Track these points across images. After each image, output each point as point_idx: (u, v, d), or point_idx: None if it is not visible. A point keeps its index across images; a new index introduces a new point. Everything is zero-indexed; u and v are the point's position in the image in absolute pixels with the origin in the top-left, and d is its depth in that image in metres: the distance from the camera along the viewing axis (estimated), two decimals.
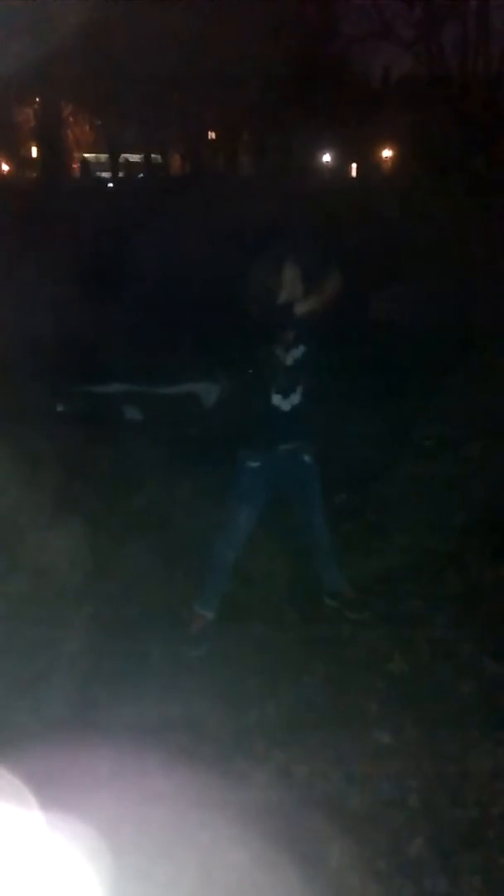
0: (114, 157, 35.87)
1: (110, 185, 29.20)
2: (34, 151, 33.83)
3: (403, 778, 2.53)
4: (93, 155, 39.39)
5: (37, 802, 2.06)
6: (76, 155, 38.26)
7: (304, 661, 3.13)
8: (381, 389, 5.70)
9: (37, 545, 3.80)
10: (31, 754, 2.28)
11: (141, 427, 5.77)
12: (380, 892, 2.17)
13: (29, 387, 5.77)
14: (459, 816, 2.40)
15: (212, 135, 36.83)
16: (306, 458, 3.25)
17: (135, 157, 36.22)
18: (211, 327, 3.26)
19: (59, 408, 5.96)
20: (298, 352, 3.06)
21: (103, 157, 37.85)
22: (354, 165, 36.30)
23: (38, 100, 25.76)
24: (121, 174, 34.90)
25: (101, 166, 37.13)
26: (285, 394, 3.08)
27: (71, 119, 32.54)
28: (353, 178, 34.33)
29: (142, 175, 33.49)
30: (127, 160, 36.13)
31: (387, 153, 35.41)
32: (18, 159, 35.55)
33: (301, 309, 2.93)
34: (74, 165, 36.80)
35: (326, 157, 36.55)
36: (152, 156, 34.85)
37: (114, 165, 35.85)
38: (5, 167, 35.38)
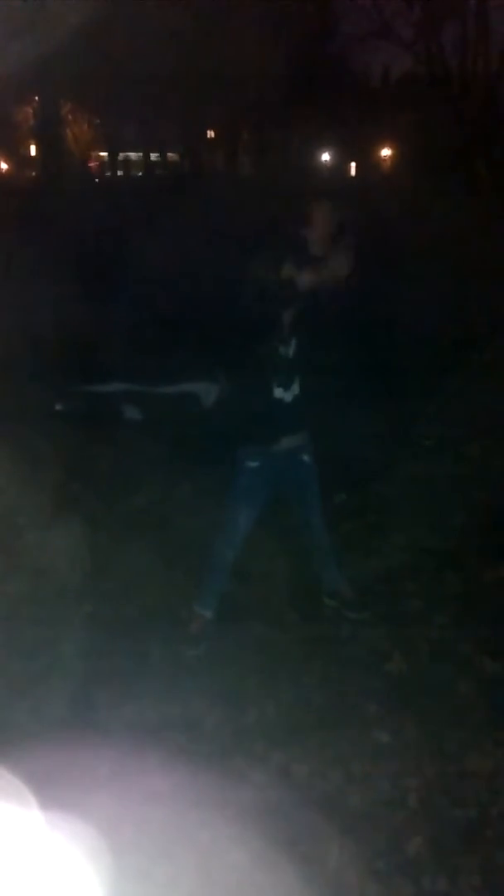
0: (113, 155, 35.85)
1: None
2: (33, 150, 33.83)
3: (402, 777, 2.54)
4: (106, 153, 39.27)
5: (36, 802, 2.06)
6: (93, 153, 38.22)
7: (303, 660, 3.13)
8: (381, 389, 5.70)
9: (36, 545, 3.80)
10: (31, 754, 2.28)
11: (140, 426, 5.77)
12: (379, 891, 2.17)
13: (28, 386, 5.77)
14: (458, 816, 2.41)
15: (211, 134, 36.83)
16: (305, 457, 3.26)
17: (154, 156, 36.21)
18: (211, 326, 3.26)
19: (58, 407, 5.96)
20: (294, 344, 3.08)
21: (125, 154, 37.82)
22: (353, 164, 36.29)
23: (37, 98, 25.74)
24: (119, 172, 34.91)
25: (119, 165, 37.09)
26: (286, 386, 3.09)
27: (70, 118, 32.50)
28: (352, 176, 34.31)
29: (140, 173, 33.50)
30: (146, 159, 36.08)
31: (386, 152, 35.41)
32: (18, 158, 35.52)
33: (308, 278, 2.91)
34: (92, 164, 36.79)
35: (326, 157, 36.55)
36: (168, 154, 34.88)
37: (113, 164, 35.84)
38: (4, 165, 35.36)
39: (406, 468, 4.83)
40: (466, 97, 19.13)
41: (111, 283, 8.71)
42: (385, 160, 35.45)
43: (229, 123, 32.20)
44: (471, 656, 3.13)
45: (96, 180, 28.93)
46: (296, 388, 3.10)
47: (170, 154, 37.55)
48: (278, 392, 3.08)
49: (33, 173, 30.44)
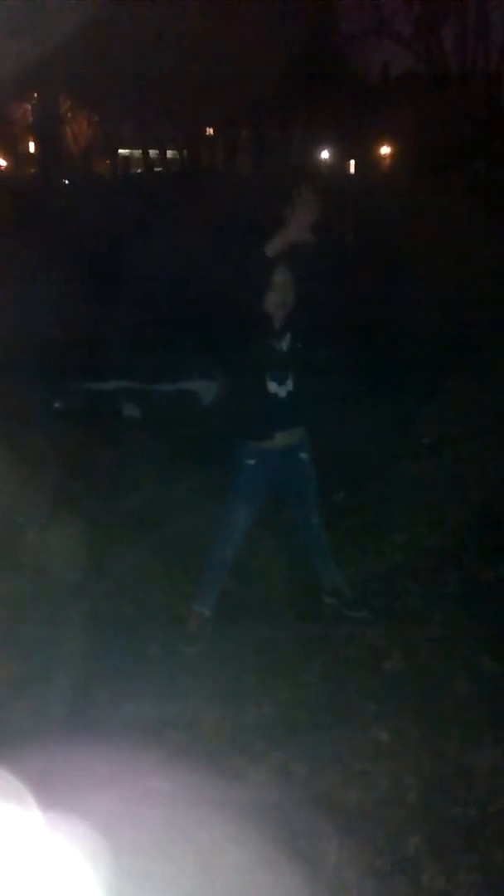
0: (111, 153, 35.78)
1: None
2: (31, 148, 33.79)
3: (401, 776, 2.54)
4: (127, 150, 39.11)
5: (34, 801, 2.06)
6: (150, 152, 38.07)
7: (302, 659, 3.13)
8: (380, 388, 5.71)
9: (35, 543, 3.80)
10: (29, 753, 2.28)
11: (139, 425, 5.77)
12: (378, 889, 2.17)
13: (27, 384, 5.76)
14: (457, 814, 2.41)
15: (210, 131, 36.78)
16: (302, 455, 3.26)
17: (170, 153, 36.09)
18: (209, 324, 3.26)
19: (57, 405, 5.96)
20: (288, 339, 3.08)
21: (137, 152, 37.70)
22: (352, 162, 36.25)
23: (36, 95, 25.70)
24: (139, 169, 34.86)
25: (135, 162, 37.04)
26: (280, 381, 3.09)
27: (69, 115, 32.44)
28: (350, 174, 34.28)
29: (140, 171, 33.44)
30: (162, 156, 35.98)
31: (385, 150, 35.37)
32: (17, 155, 35.46)
33: (279, 243, 2.90)
34: (108, 161, 36.67)
35: (325, 154, 36.49)
36: (167, 152, 34.80)
37: (112, 162, 35.77)
38: (3, 162, 35.29)
39: (405, 467, 4.84)
40: (466, 95, 19.13)
41: (110, 281, 8.71)
42: (384, 158, 35.41)
43: (228, 121, 32.16)
44: (470, 655, 3.13)
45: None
46: (290, 384, 3.10)
47: (168, 152, 37.49)
48: (272, 387, 3.09)
49: (32, 170, 30.39)
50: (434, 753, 2.63)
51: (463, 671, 3.04)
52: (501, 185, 16.10)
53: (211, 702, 2.87)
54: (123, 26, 17.32)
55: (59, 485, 4.35)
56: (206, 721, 2.79)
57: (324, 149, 35.93)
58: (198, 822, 2.31)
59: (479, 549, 3.88)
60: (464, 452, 5.01)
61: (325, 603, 3.44)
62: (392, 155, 33.95)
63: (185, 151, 33.66)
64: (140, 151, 35.51)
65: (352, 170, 35.54)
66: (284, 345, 3.07)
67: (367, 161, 34.43)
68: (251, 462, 3.17)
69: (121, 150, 36.30)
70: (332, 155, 36.08)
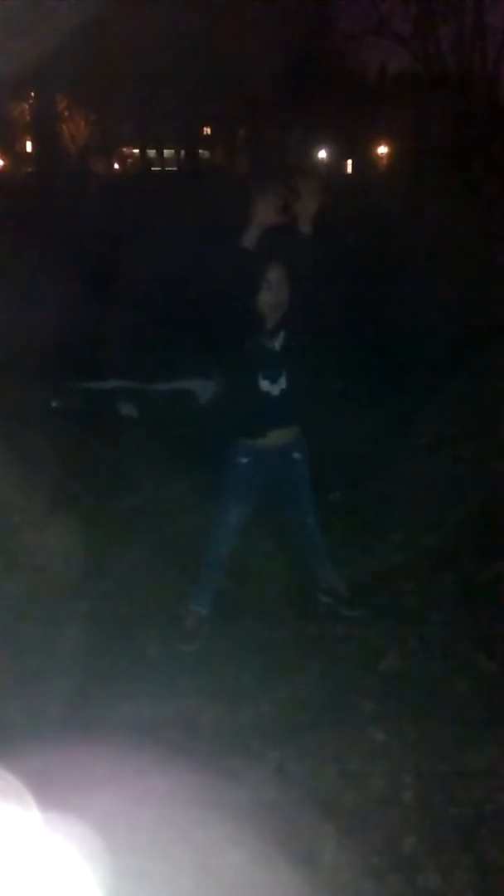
0: (108, 152, 35.76)
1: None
2: (29, 147, 33.76)
3: (398, 775, 2.54)
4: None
5: (32, 801, 2.06)
6: (126, 150, 38.01)
7: (299, 658, 3.14)
8: (378, 387, 5.70)
9: (32, 543, 3.80)
10: (27, 752, 2.28)
11: (136, 424, 5.77)
12: (374, 889, 2.17)
13: (24, 383, 5.76)
14: (454, 814, 2.41)
15: (207, 130, 36.79)
16: (296, 455, 3.25)
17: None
18: (205, 323, 3.26)
19: (54, 404, 5.95)
20: (281, 337, 3.07)
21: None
22: (350, 162, 36.28)
23: (33, 94, 25.70)
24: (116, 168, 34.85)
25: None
26: (273, 379, 3.09)
27: (66, 114, 32.42)
28: (348, 174, 34.31)
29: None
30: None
31: (382, 150, 35.40)
32: (14, 154, 35.41)
33: (254, 231, 2.91)
34: (129, 160, 36.65)
35: (322, 154, 36.50)
36: (164, 151, 34.83)
37: (109, 161, 35.75)
38: (0, 161, 35.25)
39: (402, 466, 4.83)
40: (464, 95, 19.12)
41: (108, 280, 8.69)
42: (381, 158, 35.44)
43: (225, 120, 32.16)
44: (467, 654, 3.14)
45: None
46: (283, 383, 3.09)
47: (165, 151, 37.49)
48: (264, 385, 3.08)
49: (29, 169, 30.35)
50: (431, 753, 2.63)
51: (460, 671, 3.04)
52: (499, 184, 16.08)
53: (208, 701, 2.88)
54: (121, 25, 17.30)
55: (57, 484, 4.35)
56: (203, 720, 2.80)
57: (321, 148, 35.93)
58: (195, 821, 2.31)
59: (476, 549, 3.88)
60: (462, 452, 5.01)
61: (322, 602, 3.44)
62: (389, 154, 33.96)
63: (182, 152, 33.64)
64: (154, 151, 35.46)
65: (349, 169, 35.56)
66: (277, 343, 3.06)
67: (365, 161, 34.44)
68: (244, 461, 3.17)
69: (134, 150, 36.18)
70: (329, 154, 36.08)
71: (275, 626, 3.36)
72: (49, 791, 2.05)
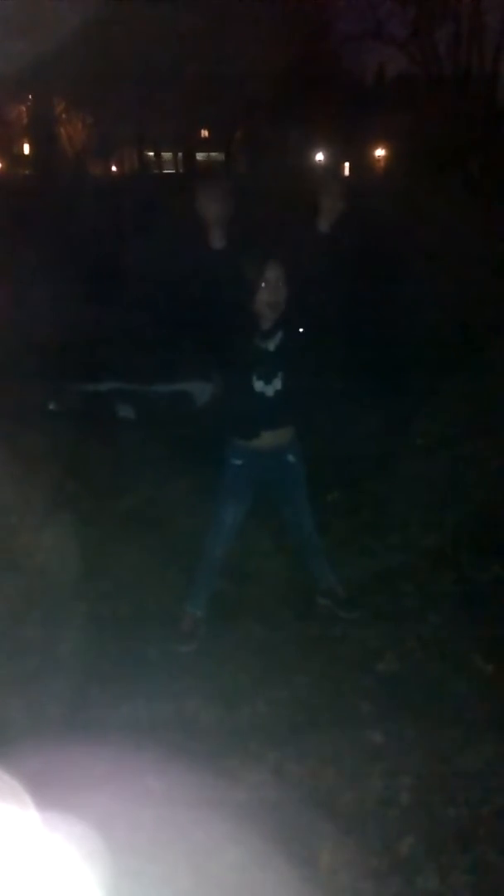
0: (106, 155, 35.78)
1: None
2: (27, 149, 33.76)
3: (396, 776, 2.54)
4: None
5: (31, 801, 2.06)
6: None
7: (296, 659, 3.14)
8: (377, 388, 5.71)
9: (30, 544, 3.80)
10: (26, 753, 2.28)
11: (134, 426, 5.77)
12: (372, 889, 2.18)
13: (22, 385, 5.76)
14: (451, 815, 2.41)
15: (205, 133, 36.84)
16: (290, 458, 3.24)
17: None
18: (202, 324, 3.27)
19: (52, 406, 5.95)
20: (278, 338, 3.06)
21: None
22: (347, 164, 36.33)
23: (30, 97, 25.69)
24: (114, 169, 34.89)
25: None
26: (267, 379, 3.08)
27: (63, 116, 32.42)
28: (345, 176, 34.36)
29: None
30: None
31: (380, 152, 35.46)
32: (11, 156, 35.41)
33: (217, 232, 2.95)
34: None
35: (319, 156, 36.55)
36: (162, 154, 34.87)
37: (107, 163, 35.78)
38: None
39: (401, 467, 4.84)
40: (461, 97, 19.17)
41: (106, 282, 8.70)
42: (379, 160, 35.49)
43: (223, 122, 32.19)
44: (464, 656, 3.14)
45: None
46: (278, 383, 3.08)
47: (163, 154, 37.54)
48: (258, 385, 3.07)
49: (27, 172, 30.34)
50: (429, 754, 2.63)
51: (458, 672, 3.05)
52: (497, 185, 16.13)
53: (207, 702, 2.88)
54: (119, 28, 17.32)
55: (55, 485, 4.35)
56: (202, 721, 2.80)
57: (319, 151, 35.98)
58: (194, 821, 2.31)
59: (474, 550, 3.89)
60: (460, 453, 5.02)
61: (320, 604, 3.44)
62: (387, 157, 34.02)
63: (179, 154, 33.67)
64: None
65: (346, 171, 35.61)
66: (272, 344, 3.05)
67: (363, 163, 34.50)
68: (238, 462, 3.17)
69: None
70: (327, 157, 36.14)
71: (273, 626, 3.36)
72: (48, 791, 2.04)
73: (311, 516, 3.37)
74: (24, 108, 30.33)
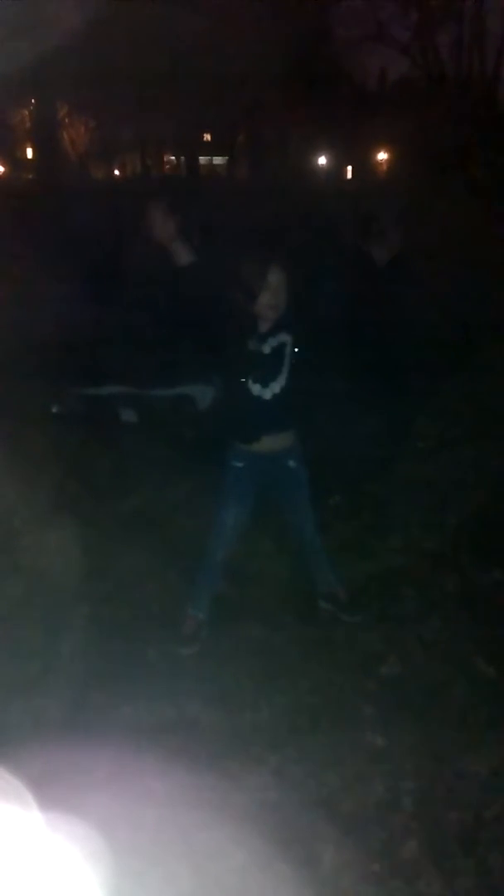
0: (109, 159, 35.87)
1: None
2: (29, 153, 33.85)
3: (398, 780, 2.54)
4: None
5: (32, 802, 2.06)
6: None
7: (298, 662, 3.13)
8: (378, 389, 5.69)
9: (33, 546, 3.80)
10: (28, 754, 2.28)
11: (137, 429, 5.76)
12: (373, 893, 2.17)
13: (24, 388, 5.76)
14: (454, 818, 2.41)
15: (207, 137, 36.90)
16: (291, 463, 3.23)
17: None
18: (202, 326, 3.27)
19: (55, 410, 5.95)
20: (277, 340, 3.05)
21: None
22: (350, 168, 36.37)
23: (33, 101, 25.75)
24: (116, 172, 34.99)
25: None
26: (264, 382, 3.07)
27: (66, 121, 32.52)
28: (348, 180, 34.40)
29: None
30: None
31: (382, 156, 35.49)
32: (14, 161, 35.51)
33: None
34: (167, 167, 36.73)
35: (322, 160, 36.59)
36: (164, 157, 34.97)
37: (109, 167, 35.85)
38: (1, 168, 35.34)
39: (402, 469, 4.83)
40: (463, 99, 19.19)
41: (107, 282, 8.69)
42: (381, 164, 35.52)
43: (225, 126, 32.25)
44: (466, 658, 3.13)
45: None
46: (276, 387, 3.07)
47: (166, 157, 37.63)
48: (255, 389, 3.06)
49: (30, 176, 30.43)
50: (431, 757, 2.63)
51: (460, 675, 3.04)
52: (499, 186, 16.13)
53: (209, 704, 2.87)
54: (122, 31, 17.36)
55: (58, 487, 4.35)
56: (203, 723, 2.79)
57: (321, 154, 36.02)
58: (195, 824, 2.31)
59: (476, 553, 3.88)
60: (461, 455, 5.01)
61: (321, 607, 3.44)
62: (389, 160, 34.05)
63: (182, 157, 33.73)
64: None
65: (349, 175, 35.66)
66: (267, 347, 3.05)
67: (365, 166, 34.53)
68: (239, 464, 3.17)
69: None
70: (329, 160, 36.18)
71: (275, 629, 3.36)
72: (50, 793, 2.05)
73: (313, 519, 3.37)
74: (26, 112, 30.42)
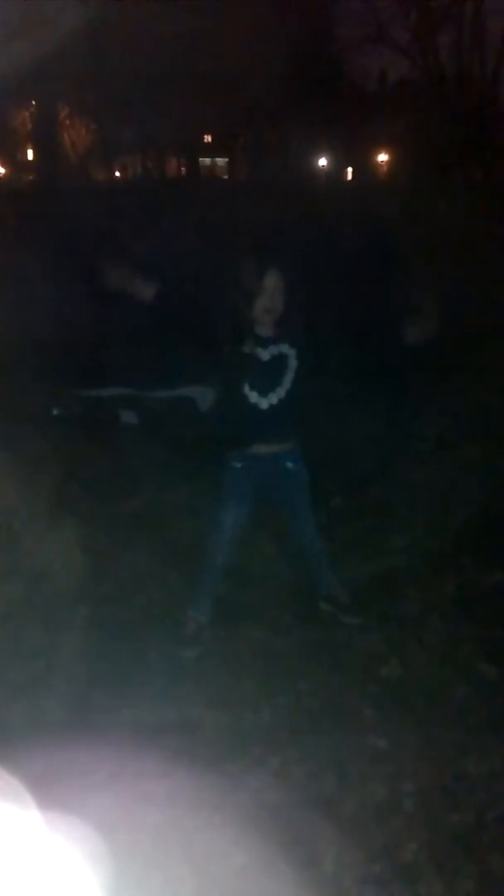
0: (109, 160, 35.87)
1: None
2: (30, 155, 33.89)
3: (399, 782, 2.53)
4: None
5: (33, 804, 2.05)
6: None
7: (299, 664, 3.13)
8: (378, 390, 5.69)
9: (33, 547, 3.80)
10: (28, 756, 2.28)
11: (137, 431, 5.76)
12: (374, 895, 2.17)
13: (24, 390, 5.76)
14: (455, 820, 2.40)
15: (208, 139, 36.92)
16: (290, 464, 3.22)
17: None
18: (202, 330, 3.27)
19: (55, 412, 5.95)
20: (278, 349, 3.04)
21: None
22: (350, 169, 36.40)
23: (34, 103, 25.79)
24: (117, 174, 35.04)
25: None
26: (262, 391, 3.05)
27: (67, 122, 32.53)
28: (348, 181, 34.44)
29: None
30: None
31: (382, 157, 35.50)
32: (15, 162, 35.53)
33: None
34: (183, 168, 36.74)
35: (322, 161, 36.61)
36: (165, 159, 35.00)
37: (110, 169, 35.85)
38: (1, 170, 35.37)
39: (403, 471, 4.83)
40: (462, 101, 19.19)
41: (109, 286, 8.69)
42: (381, 165, 35.54)
43: (227, 127, 32.27)
44: (468, 660, 3.13)
45: None
46: (274, 398, 3.06)
47: (167, 158, 37.63)
48: (253, 396, 3.05)
49: (31, 177, 30.45)
50: (432, 759, 2.62)
51: (461, 677, 3.04)
52: (499, 187, 16.13)
53: (209, 706, 2.87)
54: (123, 33, 17.37)
55: (58, 489, 4.35)
56: (204, 725, 2.79)
57: (322, 155, 36.05)
58: (196, 825, 2.31)
59: (477, 554, 3.88)
60: (462, 456, 5.01)
61: (322, 609, 3.43)
62: (389, 161, 34.06)
63: (182, 160, 33.76)
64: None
65: (349, 176, 35.69)
66: (271, 353, 3.03)
67: (366, 167, 34.55)
68: (238, 465, 3.16)
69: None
70: (329, 161, 36.20)
71: (276, 631, 3.36)
72: (50, 793, 2.04)
73: (314, 521, 3.36)
74: (27, 114, 30.44)
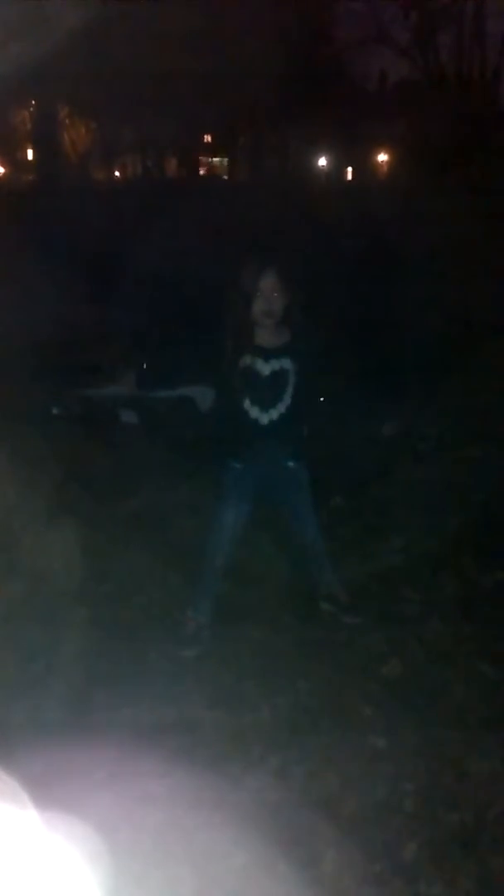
0: (109, 160, 35.90)
1: None
2: (30, 154, 33.88)
3: (399, 781, 2.53)
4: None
5: (33, 804, 2.05)
6: (203, 160, 38.09)
7: (299, 663, 3.13)
8: (378, 391, 5.68)
9: (33, 547, 3.80)
10: (28, 756, 2.28)
11: (137, 431, 5.76)
12: (375, 894, 2.17)
13: (24, 389, 5.76)
14: (455, 820, 2.40)
15: (208, 139, 36.94)
16: (291, 464, 3.22)
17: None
18: (206, 331, 3.27)
19: (55, 411, 5.95)
20: (280, 363, 3.02)
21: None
22: (350, 169, 36.41)
23: (34, 102, 25.78)
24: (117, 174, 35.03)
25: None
26: (263, 406, 3.04)
27: (67, 122, 32.54)
28: (348, 181, 34.46)
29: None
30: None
31: (382, 157, 35.53)
32: (15, 162, 35.54)
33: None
34: (203, 170, 36.79)
35: (322, 161, 36.62)
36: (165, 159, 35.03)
37: (110, 169, 35.88)
38: (1, 169, 35.37)
39: (403, 471, 4.83)
40: (462, 101, 19.21)
41: (109, 286, 8.71)
42: (381, 165, 35.55)
43: (226, 127, 32.27)
44: (468, 660, 3.13)
45: None
46: (274, 414, 3.04)
47: (167, 158, 37.64)
48: (253, 411, 3.03)
49: (31, 177, 30.46)
50: (432, 758, 2.62)
51: (461, 677, 3.04)
52: (499, 186, 16.15)
53: (209, 706, 2.87)
54: (123, 33, 17.37)
55: (58, 490, 4.35)
56: (204, 725, 2.79)
57: (321, 155, 36.06)
58: (196, 825, 2.31)
59: (477, 554, 3.88)
60: (462, 456, 5.01)
61: (322, 609, 3.43)
62: (389, 162, 34.09)
63: (182, 157, 33.75)
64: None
65: (349, 176, 35.71)
66: (272, 368, 3.01)
67: (366, 167, 34.57)
68: (238, 465, 3.16)
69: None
70: (329, 161, 36.21)
71: (276, 630, 3.35)
72: (50, 793, 2.04)
73: (315, 520, 3.36)
74: (27, 113, 30.45)
